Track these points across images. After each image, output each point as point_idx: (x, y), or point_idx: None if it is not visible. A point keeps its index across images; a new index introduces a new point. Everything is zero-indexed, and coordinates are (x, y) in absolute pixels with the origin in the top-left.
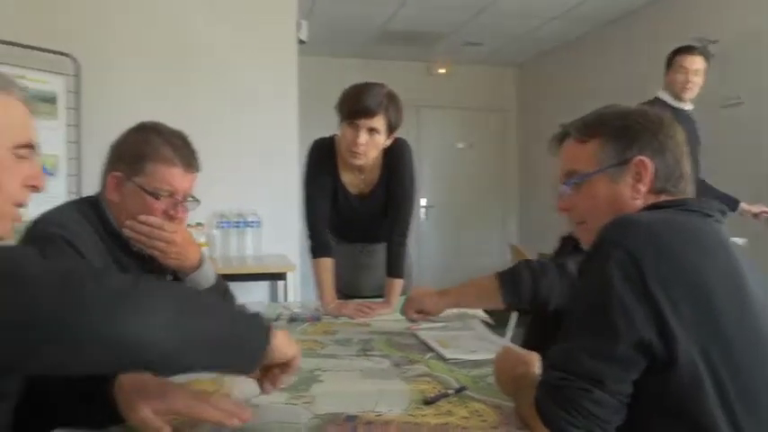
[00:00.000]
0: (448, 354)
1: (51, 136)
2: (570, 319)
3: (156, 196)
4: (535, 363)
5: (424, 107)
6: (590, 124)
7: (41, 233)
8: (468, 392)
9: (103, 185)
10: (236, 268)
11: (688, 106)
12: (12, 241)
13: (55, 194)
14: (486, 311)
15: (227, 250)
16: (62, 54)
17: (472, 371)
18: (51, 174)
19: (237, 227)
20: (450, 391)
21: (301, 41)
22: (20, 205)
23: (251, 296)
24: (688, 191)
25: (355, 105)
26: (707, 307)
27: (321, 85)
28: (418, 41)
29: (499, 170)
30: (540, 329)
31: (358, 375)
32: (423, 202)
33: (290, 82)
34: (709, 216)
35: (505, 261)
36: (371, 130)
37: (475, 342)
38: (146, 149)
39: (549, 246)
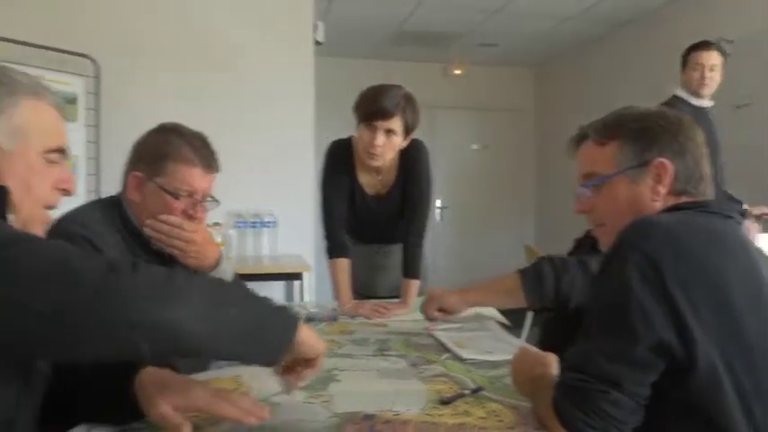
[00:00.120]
0: (465, 354)
1: (71, 136)
2: (588, 321)
3: (176, 196)
4: (553, 364)
5: (439, 108)
6: (609, 126)
7: (64, 231)
8: (484, 393)
9: (125, 185)
10: (252, 268)
11: (707, 103)
12: None
13: (74, 193)
14: (501, 312)
15: (243, 250)
16: (82, 56)
17: (489, 371)
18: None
19: (254, 227)
20: (466, 392)
21: (318, 43)
22: (50, 207)
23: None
24: (708, 193)
25: (372, 107)
26: (727, 309)
27: (337, 87)
28: (434, 42)
29: (514, 171)
30: (557, 330)
31: (375, 375)
32: (437, 203)
33: (306, 83)
34: (730, 217)
35: (521, 262)
36: (389, 132)
37: (491, 343)
38: (166, 150)
39: (565, 247)
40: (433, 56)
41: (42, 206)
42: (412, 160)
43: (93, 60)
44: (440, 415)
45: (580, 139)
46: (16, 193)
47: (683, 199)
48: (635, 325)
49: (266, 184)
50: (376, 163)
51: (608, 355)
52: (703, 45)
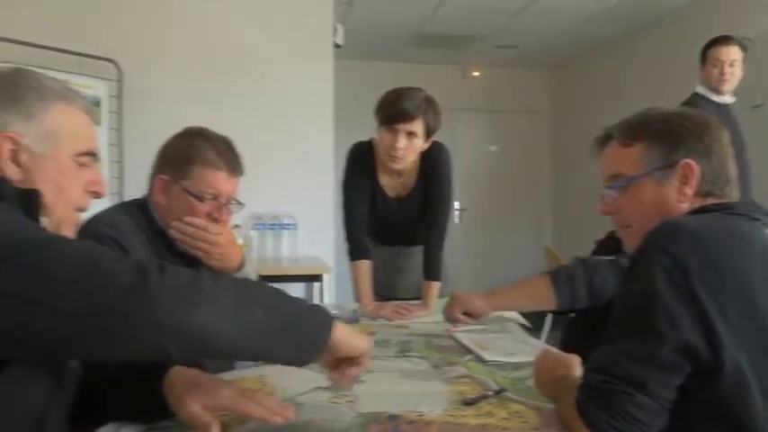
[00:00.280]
0: (487, 356)
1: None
2: (614, 323)
3: (200, 199)
4: (575, 365)
5: (457, 110)
6: (635, 127)
7: (93, 232)
8: (507, 394)
9: (151, 188)
10: (272, 270)
11: (729, 99)
12: None
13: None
14: (522, 314)
15: (263, 252)
16: (106, 60)
17: (512, 373)
18: None
19: (273, 229)
20: (489, 393)
21: (337, 45)
22: (81, 210)
23: None
24: (733, 195)
25: (394, 110)
26: (753, 311)
27: (356, 89)
28: (452, 44)
29: (533, 173)
30: (579, 332)
31: (397, 376)
32: (456, 205)
33: (326, 86)
34: (757, 220)
35: (539, 263)
36: (410, 134)
37: (513, 345)
38: (192, 153)
39: (583, 248)
40: (452, 58)
41: (73, 208)
42: (433, 162)
43: (116, 64)
44: (463, 416)
45: (605, 139)
46: (48, 196)
47: (710, 201)
48: (660, 327)
49: (286, 186)
50: (398, 166)
51: (633, 356)
52: (722, 40)
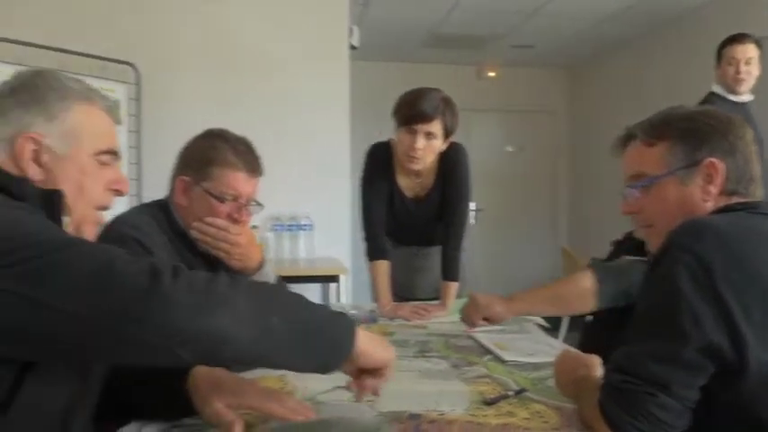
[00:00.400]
0: (506, 356)
1: None
2: (636, 322)
3: (221, 200)
4: (596, 366)
5: (472, 111)
6: (657, 126)
7: (116, 233)
8: (528, 394)
9: (172, 189)
10: (289, 270)
11: (746, 97)
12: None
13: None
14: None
15: (280, 253)
16: (125, 63)
17: (531, 373)
18: None
19: (290, 230)
20: (510, 393)
21: (353, 47)
22: (103, 208)
23: None
24: (758, 193)
25: (412, 110)
26: None
27: (372, 90)
28: (468, 45)
29: (549, 173)
30: (598, 333)
31: (417, 376)
32: (472, 205)
33: (342, 88)
34: None
35: (556, 264)
36: (429, 135)
37: (532, 345)
38: (212, 155)
39: (600, 249)
40: (467, 58)
41: (95, 207)
42: (452, 163)
43: (135, 68)
44: (484, 415)
45: (627, 139)
46: (70, 195)
47: (734, 200)
48: (684, 326)
49: (302, 187)
50: (416, 166)
51: (656, 356)
52: (738, 38)
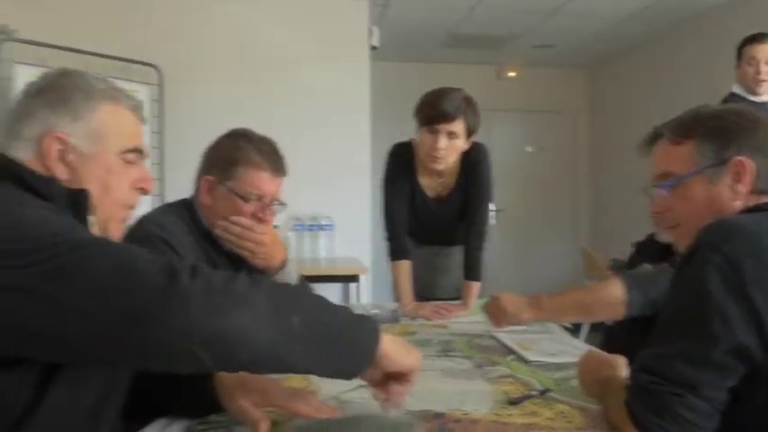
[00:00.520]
0: (530, 356)
1: None
2: (664, 323)
3: (245, 199)
4: (621, 366)
5: (493, 111)
6: (685, 124)
7: (143, 233)
8: (552, 394)
9: (197, 189)
10: (310, 270)
11: (767, 97)
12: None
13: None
14: None
15: (300, 253)
16: (147, 65)
17: (555, 373)
18: None
19: (311, 230)
20: (534, 393)
21: (373, 48)
22: (129, 207)
23: None
24: None
25: (434, 110)
26: None
27: (392, 90)
28: (488, 45)
29: (569, 173)
30: (621, 334)
31: (440, 375)
32: (492, 206)
33: (362, 88)
34: None
35: (576, 265)
36: (451, 135)
37: (555, 345)
38: (236, 155)
39: (621, 250)
40: (487, 58)
41: (121, 206)
42: (474, 163)
43: (158, 69)
44: (509, 415)
45: (654, 138)
46: (95, 195)
47: (764, 199)
48: (713, 327)
49: (323, 187)
50: (439, 166)
51: (685, 357)
52: (758, 38)
